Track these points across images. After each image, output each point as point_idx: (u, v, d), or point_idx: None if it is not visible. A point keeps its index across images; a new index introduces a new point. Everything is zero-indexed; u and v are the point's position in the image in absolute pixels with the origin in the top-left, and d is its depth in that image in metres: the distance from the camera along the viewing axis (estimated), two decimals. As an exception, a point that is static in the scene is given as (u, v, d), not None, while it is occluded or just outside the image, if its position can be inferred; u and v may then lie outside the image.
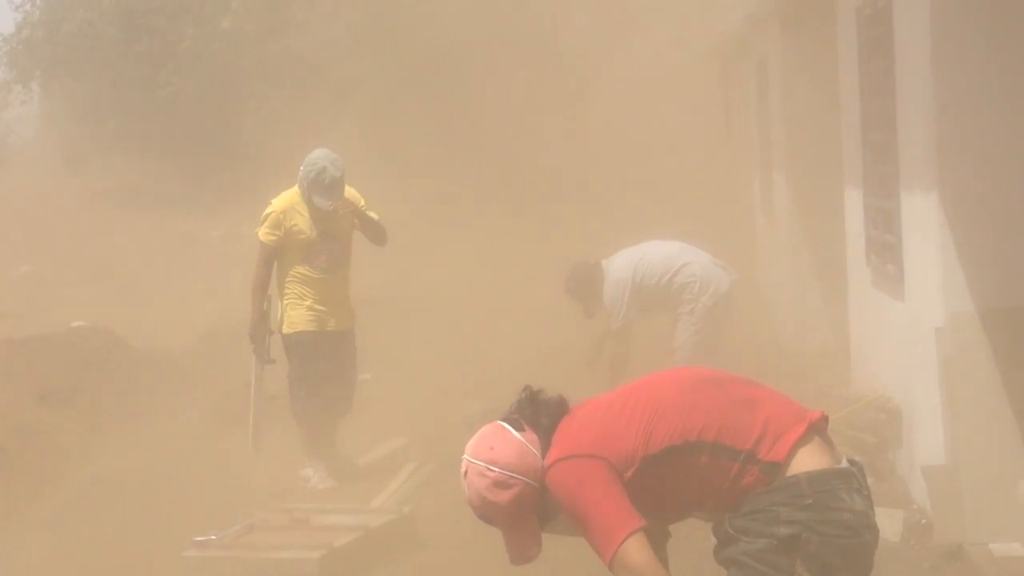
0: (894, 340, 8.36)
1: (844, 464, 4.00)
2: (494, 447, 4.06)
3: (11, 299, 25.54)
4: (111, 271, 28.11)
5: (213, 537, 7.57)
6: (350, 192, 9.61)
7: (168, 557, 7.72)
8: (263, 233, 9.50)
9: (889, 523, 7.26)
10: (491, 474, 4.02)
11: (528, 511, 4.05)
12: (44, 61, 39.43)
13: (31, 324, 20.08)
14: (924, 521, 7.42)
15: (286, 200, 9.54)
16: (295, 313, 9.48)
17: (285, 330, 9.55)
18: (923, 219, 7.35)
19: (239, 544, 7.50)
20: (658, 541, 4.14)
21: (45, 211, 36.91)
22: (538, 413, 4.12)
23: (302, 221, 9.44)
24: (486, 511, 4.07)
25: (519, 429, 4.10)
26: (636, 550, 3.89)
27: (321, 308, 9.49)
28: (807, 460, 3.92)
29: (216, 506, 9.19)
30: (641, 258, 9.53)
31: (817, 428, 4.01)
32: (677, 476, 3.97)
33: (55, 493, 11.46)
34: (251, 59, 30.06)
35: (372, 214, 9.66)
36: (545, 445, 4.07)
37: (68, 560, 8.45)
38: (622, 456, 3.97)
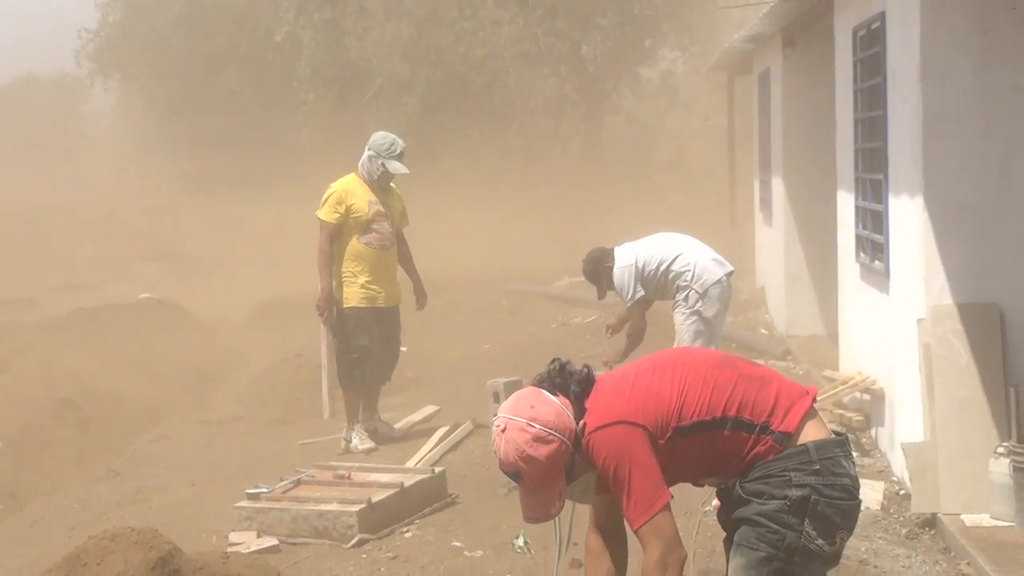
0: (879, 329, 8.34)
1: (839, 435, 4.06)
2: (535, 406, 4.02)
3: (85, 272, 25.69)
4: (175, 249, 28.25)
5: (264, 490, 7.58)
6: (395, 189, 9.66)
7: (224, 506, 7.75)
8: (326, 212, 9.36)
9: (871, 494, 7.24)
10: (532, 430, 3.96)
11: (560, 469, 4.00)
12: (121, 58, 39.82)
13: (103, 295, 20.15)
14: (903, 492, 7.40)
15: (345, 183, 9.46)
16: (350, 290, 9.37)
17: (340, 305, 9.45)
18: (908, 221, 7.33)
19: (287, 497, 7.51)
20: None
21: (118, 194, 37.11)
22: (568, 381, 4.09)
23: (360, 201, 9.35)
24: (522, 466, 3.97)
25: (553, 394, 4.08)
26: (668, 522, 3.92)
27: (373, 287, 9.39)
28: (812, 431, 3.98)
29: (268, 463, 9.24)
30: (643, 247, 9.44)
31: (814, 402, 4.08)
32: (703, 445, 3.99)
33: (124, 447, 11.52)
34: (306, 66, 30.11)
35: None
36: (578, 411, 4.04)
37: (135, 506, 8.49)
38: (658, 425, 3.97)
